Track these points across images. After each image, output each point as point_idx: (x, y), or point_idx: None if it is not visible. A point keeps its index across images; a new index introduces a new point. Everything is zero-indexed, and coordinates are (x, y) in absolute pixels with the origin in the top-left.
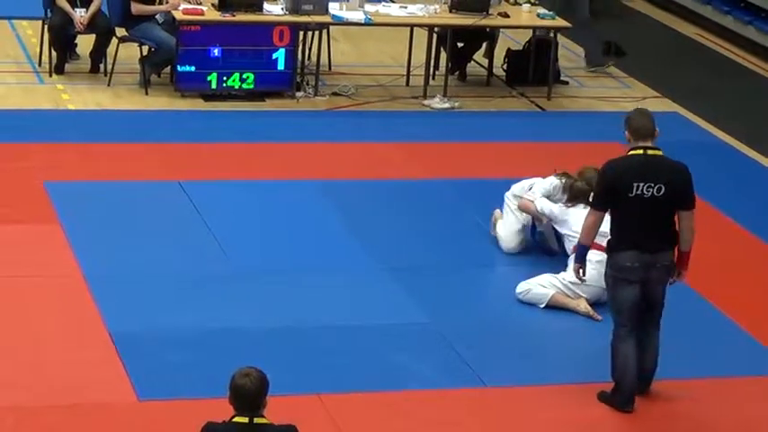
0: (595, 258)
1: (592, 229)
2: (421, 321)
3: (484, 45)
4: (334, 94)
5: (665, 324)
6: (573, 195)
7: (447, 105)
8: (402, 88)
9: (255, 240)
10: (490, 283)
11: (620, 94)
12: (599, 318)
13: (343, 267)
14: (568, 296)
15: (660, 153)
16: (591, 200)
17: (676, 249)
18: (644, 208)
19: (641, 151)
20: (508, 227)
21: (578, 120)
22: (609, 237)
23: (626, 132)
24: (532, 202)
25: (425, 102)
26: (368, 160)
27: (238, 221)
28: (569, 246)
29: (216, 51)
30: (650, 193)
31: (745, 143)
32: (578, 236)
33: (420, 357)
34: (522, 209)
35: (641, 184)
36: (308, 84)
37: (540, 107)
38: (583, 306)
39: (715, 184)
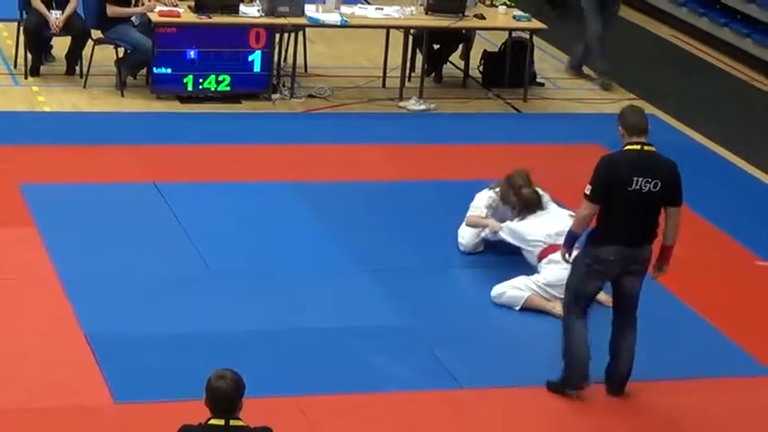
0: None
1: (585, 221)
2: (399, 323)
3: (460, 47)
4: (311, 96)
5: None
6: (524, 205)
7: (423, 107)
8: (378, 90)
9: (232, 242)
10: (468, 285)
11: (596, 96)
12: None
13: (321, 269)
14: (544, 298)
15: (654, 149)
16: (586, 193)
17: (658, 244)
18: (639, 203)
19: (638, 147)
20: (469, 229)
21: (554, 122)
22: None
23: (619, 128)
24: (481, 218)
25: (401, 103)
26: (344, 162)
27: (215, 223)
28: (530, 256)
29: (192, 53)
30: (647, 189)
31: (722, 145)
32: (535, 246)
33: (398, 359)
34: (471, 225)
35: (640, 179)
36: (284, 85)
37: (516, 109)
38: (558, 308)
39: (691, 186)
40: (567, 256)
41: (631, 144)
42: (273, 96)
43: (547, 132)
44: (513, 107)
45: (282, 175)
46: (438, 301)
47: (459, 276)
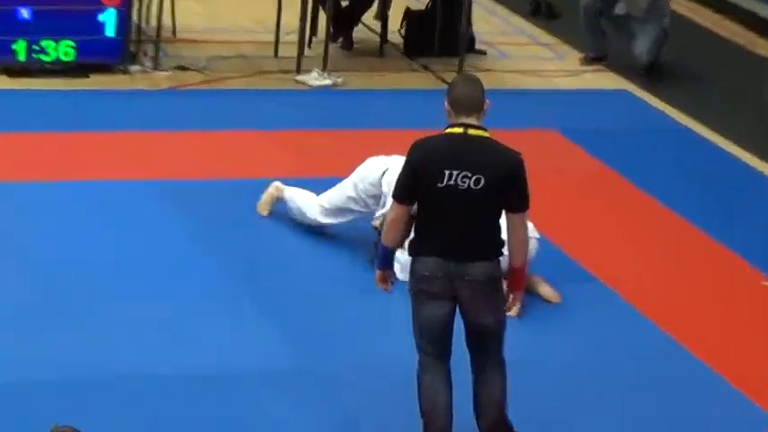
0: None
1: (393, 226)
2: (295, 362)
3: (375, 4)
4: (180, 67)
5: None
6: None
7: (327, 82)
8: (269, 60)
9: (79, 260)
10: (372, 311)
11: (551, 66)
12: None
13: (194, 296)
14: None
15: (486, 134)
16: (393, 190)
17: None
18: (456, 203)
19: (461, 129)
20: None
21: (499, 100)
22: None
23: (445, 104)
24: None
25: (299, 78)
26: (225, 154)
27: (61, 236)
28: None
29: (24, 12)
30: (466, 185)
31: (709, 127)
32: None
33: (299, 407)
34: None
35: (455, 173)
36: (145, 54)
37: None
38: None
39: (666, 178)
40: (384, 282)
41: (454, 126)
42: (131, 68)
43: (489, 115)
44: (444, 81)
45: (145, 171)
46: (339, 334)
47: (365, 301)
